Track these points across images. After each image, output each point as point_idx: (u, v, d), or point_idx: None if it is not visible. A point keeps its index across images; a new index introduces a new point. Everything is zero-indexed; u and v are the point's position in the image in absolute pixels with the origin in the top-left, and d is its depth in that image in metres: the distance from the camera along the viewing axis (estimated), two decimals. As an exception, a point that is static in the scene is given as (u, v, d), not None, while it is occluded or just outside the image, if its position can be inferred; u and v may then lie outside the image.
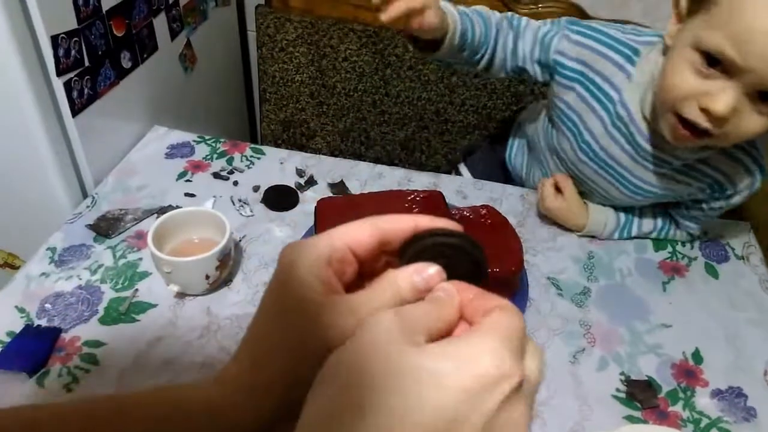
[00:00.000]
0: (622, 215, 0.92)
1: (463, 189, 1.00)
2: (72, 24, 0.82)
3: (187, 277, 0.74)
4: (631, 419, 0.69)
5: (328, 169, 1.01)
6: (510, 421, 0.25)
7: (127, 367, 0.69)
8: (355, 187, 0.98)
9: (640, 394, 0.71)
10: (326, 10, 1.25)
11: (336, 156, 1.11)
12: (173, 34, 1.10)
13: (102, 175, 0.94)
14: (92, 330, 0.72)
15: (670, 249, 0.93)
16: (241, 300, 0.78)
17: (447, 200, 0.81)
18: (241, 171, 0.99)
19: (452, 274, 0.31)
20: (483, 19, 0.81)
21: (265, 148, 1.04)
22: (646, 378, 0.74)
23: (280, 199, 0.94)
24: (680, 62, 0.67)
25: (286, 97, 1.32)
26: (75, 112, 0.86)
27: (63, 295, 0.76)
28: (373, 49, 1.23)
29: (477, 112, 1.26)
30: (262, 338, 0.32)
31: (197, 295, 0.77)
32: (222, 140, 1.05)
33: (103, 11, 0.88)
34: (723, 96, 0.64)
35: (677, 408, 0.71)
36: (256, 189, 0.95)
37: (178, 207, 0.87)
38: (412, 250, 0.32)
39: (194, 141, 1.04)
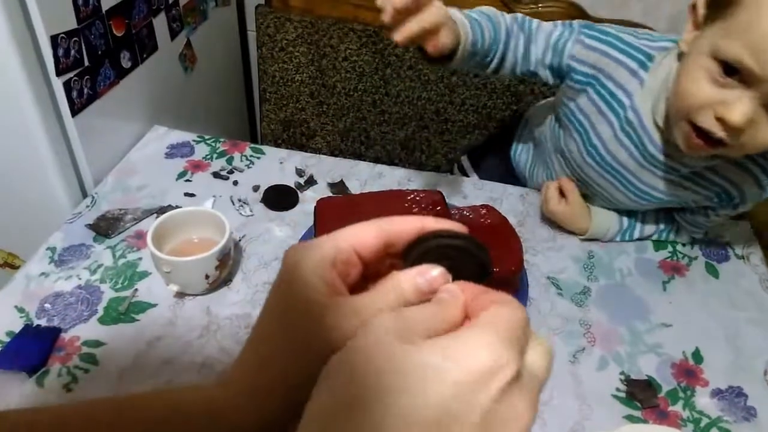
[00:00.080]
0: (625, 219, 0.92)
1: (463, 189, 1.00)
2: (72, 24, 0.82)
3: (186, 277, 0.74)
4: (631, 419, 0.69)
5: (327, 168, 1.01)
6: (510, 413, 0.25)
7: (126, 366, 0.69)
8: (354, 187, 0.98)
9: (640, 394, 0.71)
10: (326, 10, 1.25)
11: (336, 156, 1.11)
12: (173, 34, 1.10)
13: (102, 174, 0.94)
14: (92, 330, 0.72)
15: (670, 249, 0.93)
16: (241, 300, 0.78)
17: (447, 200, 0.81)
18: (241, 171, 0.99)
19: (457, 275, 0.31)
20: (492, 23, 0.78)
21: (265, 148, 1.04)
22: (646, 377, 0.73)
23: (279, 198, 0.94)
24: (696, 70, 0.66)
25: (286, 97, 1.32)
26: (75, 112, 0.86)
27: (62, 294, 0.76)
28: (373, 49, 1.23)
29: (477, 112, 1.26)
30: (265, 339, 0.32)
31: (197, 295, 0.77)
32: (222, 140, 1.05)
33: (103, 11, 0.88)
34: (739, 106, 0.62)
35: (677, 407, 0.71)
36: (255, 189, 0.95)
37: (177, 207, 0.87)
38: (416, 251, 0.32)
39: (194, 141, 1.04)
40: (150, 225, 0.75)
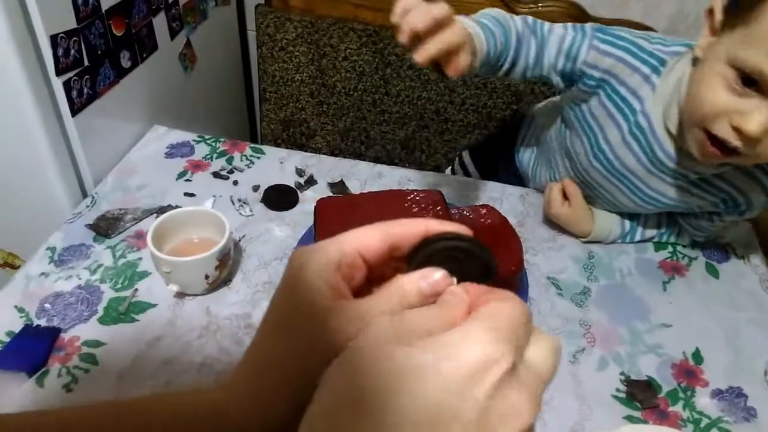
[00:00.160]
0: (627, 222, 0.91)
1: (463, 189, 1.00)
2: (71, 23, 0.82)
3: (186, 277, 0.74)
4: (631, 419, 0.69)
5: (327, 168, 1.01)
6: (507, 408, 0.24)
7: (126, 367, 0.69)
8: (354, 187, 0.97)
9: (640, 394, 0.71)
10: (326, 10, 1.25)
11: (336, 155, 1.11)
12: (173, 34, 1.10)
13: (102, 174, 0.94)
14: (92, 330, 0.72)
15: (670, 249, 0.93)
16: (241, 300, 0.78)
17: (447, 200, 0.81)
18: (241, 170, 0.99)
19: (462, 277, 0.31)
20: (503, 28, 0.75)
21: (265, 148, 1.04)
22: (646, 378, 0.73)
23: (279, 198, 0.94)
24: (713, 78, 0.65)
25: (286, 97, 1.32)
26: (74, 112, 0.86)
27: (62, 294, 0.76)
28: (373, 49, 1.23)
29: (477, 111, 1.26)
30: (269, 342, 0.32)
31: (197, 295, 0.77)
32: (222, 140, 1.05)
33: (103, 10, 0.88)
34: (757, 115, 0.61)
35: (677, 408, 0.71)
36: (255, 188, 0.95)
37: (177, 207, 0.86)
38: (421, 254, 0.32)
39: (194, 140, 1.04)
40: (150, 225, 0.75)
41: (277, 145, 1.31)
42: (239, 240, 0.85)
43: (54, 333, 0.71)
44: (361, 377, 0.25)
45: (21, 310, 0.73)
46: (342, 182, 0.98)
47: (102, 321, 0.73)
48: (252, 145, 1.04)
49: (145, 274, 0.79)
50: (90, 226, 0.85)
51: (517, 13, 0.84)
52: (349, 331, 0.28)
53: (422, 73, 1.24)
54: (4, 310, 0.73)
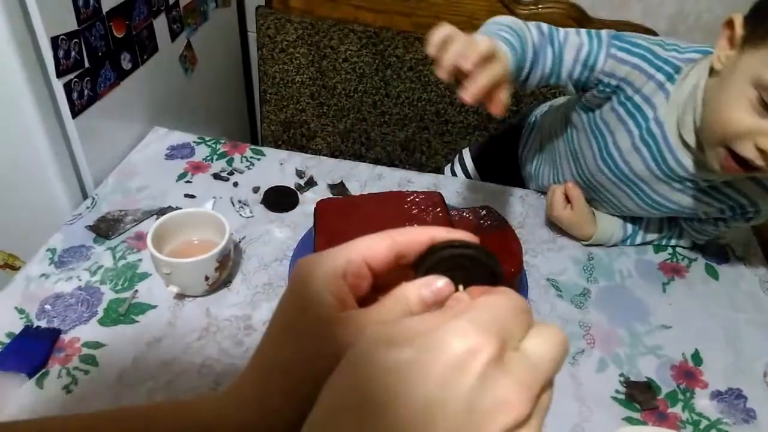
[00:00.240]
0: (629, 226, 0.91)
1: (463, 190, 1.00)
2: (72, 25, 0.82)
3: (186, 279, 0.74)
4: (630, 421, 0.69)
5: (328, 170, 1.01)
6: (495, 399, 0.24)
7: (126, 368, 0.69)
8: (355, 188, 0.98)
9: (639, 396, 0.71)
10: (326, 11, 1.25)
11: (336, 157, 1.11)
12: (173, 35, 1.10)
13: (102, 176, 0.95)
14: (92, 331, 0.72)
15: (670, 250, 0.93)
16: (241, 301, 0.78)
17: (447, 201, 0.81)
18: (241, 172, 0.99)
19: (469, 284, 0.31)
20: (521, 40, 0.72)
21: (265, 149, 1.05)
22: (646, 379, 0.73)
23: (279, 200, 0.94)
24: (737, 98, 0.64)
25: (287, 98, 1.33)
26: (75, 114, 0.86)
27: (63, 296, 0.76)
28: (373, 50, 1.23)
29: (477, 113, 1.26)
30: (274, 351, 0.32)
31: (197, 297, 0.77)
32: (222, 141, 1.05)
33: (103, 12, 0.88)
34: None
35: (677, 409, 0.71)
36: (255, 190, 0.95)
37: (177, 208, 0.87)
38: (427, 262, 0.32)
39: (194, 142, 1.04)
40: (150, 226, 0.75)
41: (278, 147, 1.31)
42: (239, 241, 0.86)
43: (54, 334, 0.71)
44: (353, 386, 0.25)
45: (21, 311, 0.74)
46: (342, 184, 0.98)
47: (102, 322, 0.73)
48: (252, 146, 1.04)
49: (145, 276, 0.79)
50: (90, 228, 0.85)
51: (516, 15, 0.84)
52: (353, 342, 0.29)
53: (422, 74, 1.24)
54: (4, 311, 0.73)
